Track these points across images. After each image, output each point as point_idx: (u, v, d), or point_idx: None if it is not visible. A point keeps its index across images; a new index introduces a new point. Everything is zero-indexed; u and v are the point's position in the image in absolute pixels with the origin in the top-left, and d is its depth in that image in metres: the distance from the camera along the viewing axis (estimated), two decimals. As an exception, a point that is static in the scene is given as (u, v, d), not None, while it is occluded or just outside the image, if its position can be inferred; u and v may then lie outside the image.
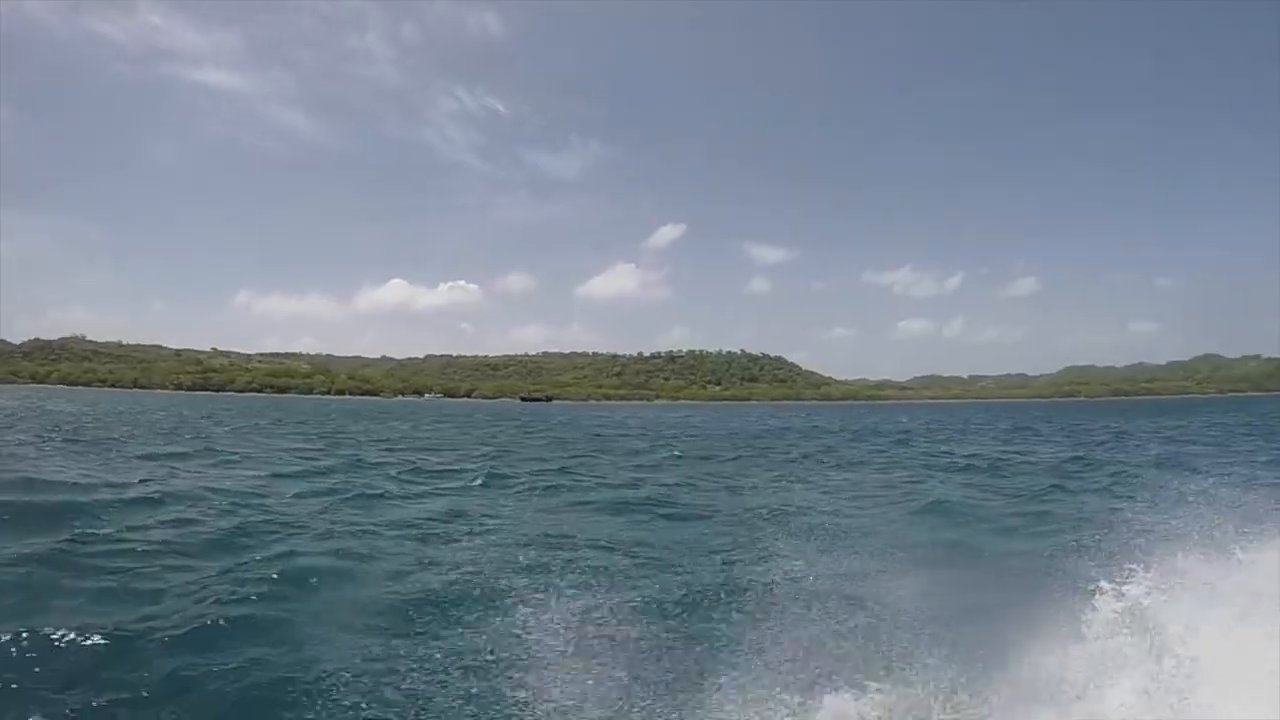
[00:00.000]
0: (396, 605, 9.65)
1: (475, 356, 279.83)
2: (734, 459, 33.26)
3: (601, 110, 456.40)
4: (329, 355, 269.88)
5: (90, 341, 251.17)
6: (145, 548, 11.84)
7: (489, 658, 7.67)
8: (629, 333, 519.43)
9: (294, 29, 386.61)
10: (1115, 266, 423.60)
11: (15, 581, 9.70)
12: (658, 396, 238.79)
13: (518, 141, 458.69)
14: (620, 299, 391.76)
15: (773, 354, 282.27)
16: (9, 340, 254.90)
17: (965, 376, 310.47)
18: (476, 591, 10.02)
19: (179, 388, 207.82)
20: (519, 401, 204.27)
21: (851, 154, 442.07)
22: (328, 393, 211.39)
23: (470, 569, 11.29)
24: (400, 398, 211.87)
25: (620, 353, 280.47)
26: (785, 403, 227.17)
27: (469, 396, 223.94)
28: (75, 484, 17.62)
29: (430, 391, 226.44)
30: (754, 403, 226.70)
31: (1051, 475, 24.85)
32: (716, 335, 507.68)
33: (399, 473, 24.29)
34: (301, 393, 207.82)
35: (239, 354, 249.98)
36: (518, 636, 8.04)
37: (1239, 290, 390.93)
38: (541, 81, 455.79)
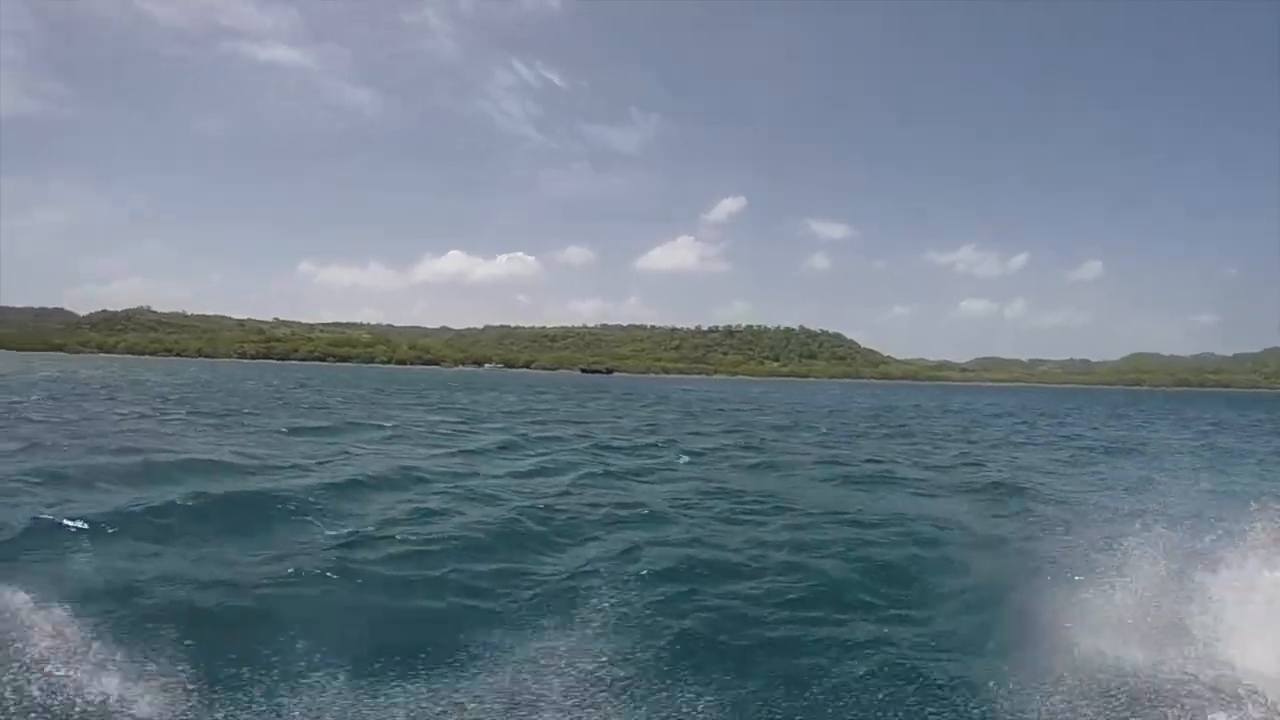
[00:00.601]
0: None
1: (532, 328, 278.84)
2: (903, 437, 30.22)
3: (662, 84, 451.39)
4: (388, 325, 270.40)
5: (155, 312, 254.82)
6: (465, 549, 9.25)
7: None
8: (686, 306, 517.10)
9: (352, 5, 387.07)
10: (1183, 254, 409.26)
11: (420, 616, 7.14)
12: (716, 371, 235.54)
13: (576, 115, 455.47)
14: (678, 272, 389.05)
15: (830, 331, 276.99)
16: (75, 311, 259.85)
17: (1025, 360, 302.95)
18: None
19: (243, 356, 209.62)
20: (579, 373, 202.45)
21: (918, 133, 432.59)
22: (388, 362, 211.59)
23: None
24: (460, 367, 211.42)
25: (678, 326, 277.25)
26: (847, 380, 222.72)
27: (528, 367, 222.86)
28: (249, 466, 14.99)
29: (490, 362, 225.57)
30: (814, 380, 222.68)
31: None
32: (774, 310, 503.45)
33: (588, 447, 21.82)
34: (363, 361, 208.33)
35: (301, 324, 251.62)
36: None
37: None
38: (600, 55, 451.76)
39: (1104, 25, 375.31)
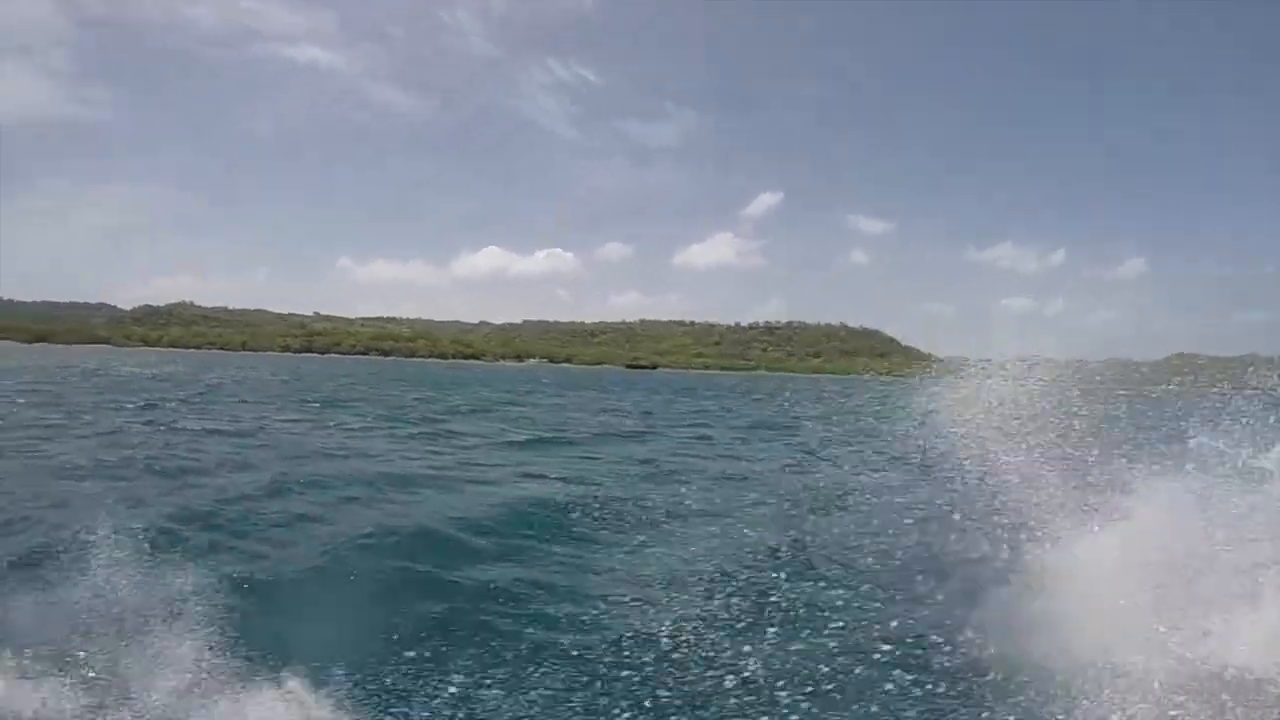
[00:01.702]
0: None
1: (572, 323, 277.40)
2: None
3: (697, 78, 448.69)
4: (429, 320, 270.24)
5: (197, 307, 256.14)
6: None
7: None
8: (725, 302, 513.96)
9: (386, 5, 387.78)
10: (1229, 250, 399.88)
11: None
12: (756, 367, 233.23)
13: (612, 111, 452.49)
14: (716, 268, 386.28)
15: (870, 327, 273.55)
16: (120, 306, 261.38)
17: (1063, 360, 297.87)
18: None
19: (285, 349, 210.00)
20: (624, 369, 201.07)
21: (956, 127, 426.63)
22: (429, 356, 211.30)
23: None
24: (502, 361, 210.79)
25: (716, 322, 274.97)
26: (890, 378, 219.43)
27: (569, 362, 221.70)
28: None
29: (532, 357, 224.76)
30: (855, 376, 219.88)
31: None
32: (812, 306, 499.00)
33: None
34: (404, 356, 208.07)
35: (341, 318, 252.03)
36: None
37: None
38: (635, 50, 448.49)
39: (1149, 19, 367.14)
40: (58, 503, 9.99)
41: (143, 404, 26.30)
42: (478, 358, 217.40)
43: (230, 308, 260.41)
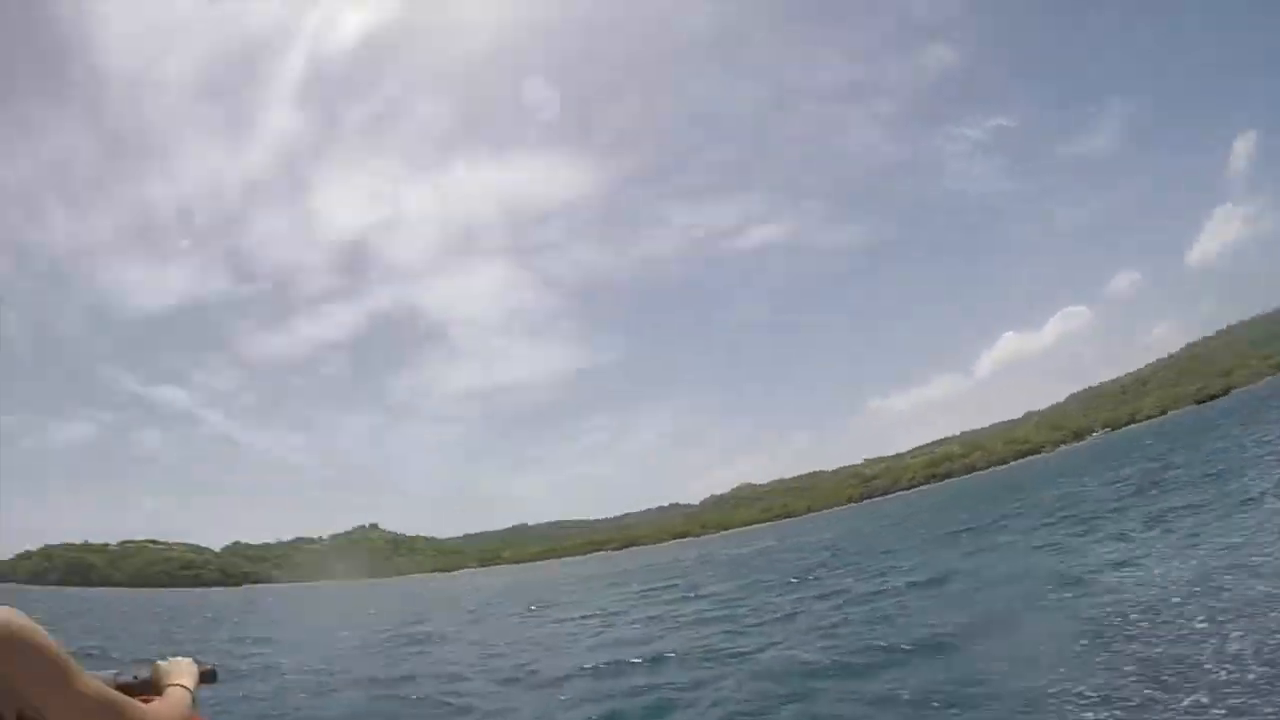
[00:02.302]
0: None
1: (1114, 380, 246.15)
2: None
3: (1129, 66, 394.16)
4: (972, 430, 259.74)
5: (756, 485, 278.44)
6: None
7: None
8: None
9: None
10: None
11: None
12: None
13: (1037, 142, 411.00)
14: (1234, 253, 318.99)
15: None
16: (689, 503, 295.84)
17: None
18: None
19: (850, 501, 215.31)
20: (1195, 407, 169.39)
21: None
22: (987, 467, 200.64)
23: None
24: (1063, 446, 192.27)
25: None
26: None
27: (1132, 422, 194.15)
28: None
29: (1094, 430, 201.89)
30: None
31: None
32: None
33: None
34: (963, 473, 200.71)
35: (890, 456, 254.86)
36: None
37: None
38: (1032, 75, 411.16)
39: None
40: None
41: (795, 573, 26.21)
42: (1035, 451, 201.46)
43: (785, 477, 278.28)
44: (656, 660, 11.95)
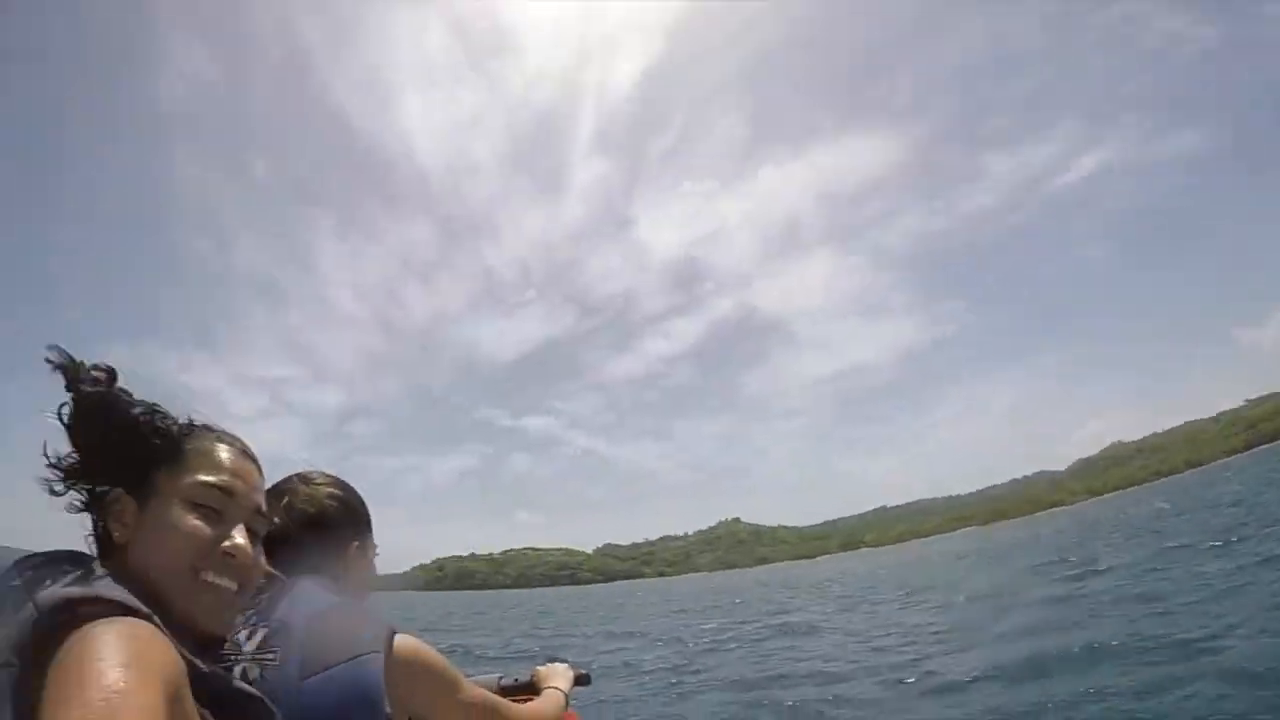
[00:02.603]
0: None
1: None
2: None
3: None
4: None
5: (1125, 443, 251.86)
6: None
7: None
8: None
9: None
10: None
11: None
12: None
13: None
14: None
15: None
16: (1054, 469, 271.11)
17: None
18: None
19: (1233, 452, 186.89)
20: None
21: None
22: None
23: None
24: None
25: None
26: None
27: None
28: None
29: None
30: None
31: None
32: None
33: None
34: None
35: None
36: None
37: None
38: None
39: None
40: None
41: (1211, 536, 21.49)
42: None
43: (1158, 431, 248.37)
44: (1085, 654, 9.37)
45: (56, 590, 1.00)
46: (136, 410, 1.23)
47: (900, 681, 9.29)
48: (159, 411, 1.26)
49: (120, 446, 1.21)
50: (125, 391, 1.24)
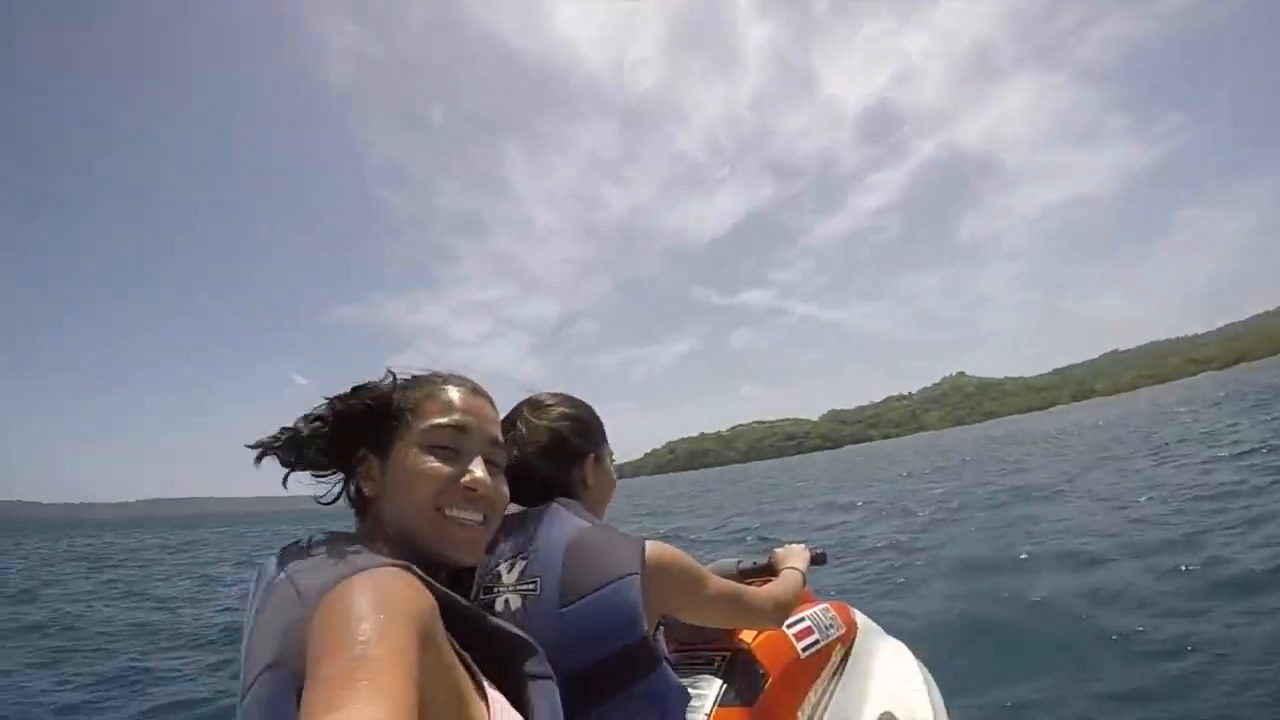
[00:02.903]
0: None
1: None
2: None
3: None
4: None
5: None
6: None
7: None
8: None
9: None
10: None
11: None
12: None
13: None
14: None
15: None
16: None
17: None
18: None
19: None
20: None
21: None
22: None
23: None
24: None
25: None
26: None
27: None
28: None
29: None
30: None
31: None
32: None
33: None
34: None
35: None
36: None
37: None
38: None
39: None
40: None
41: None
42: None
43: None
44: None
45: (323, 576, 1.00)
46: (385, 386, 1.30)
47: (1178, 569, 7.19)
48: (399, 380, 1.32)
49: (371, 421, 1.26)
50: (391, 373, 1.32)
